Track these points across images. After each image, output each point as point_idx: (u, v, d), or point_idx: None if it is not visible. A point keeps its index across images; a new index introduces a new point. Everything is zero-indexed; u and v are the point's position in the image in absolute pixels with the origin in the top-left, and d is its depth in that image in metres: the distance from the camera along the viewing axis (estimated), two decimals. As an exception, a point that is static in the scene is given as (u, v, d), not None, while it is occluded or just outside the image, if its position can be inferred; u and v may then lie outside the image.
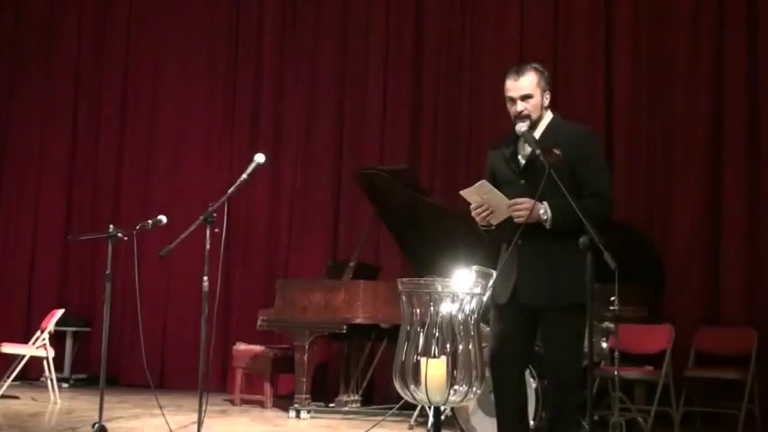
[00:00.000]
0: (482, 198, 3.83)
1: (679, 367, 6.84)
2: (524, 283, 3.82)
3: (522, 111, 3.94)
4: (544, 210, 3.76)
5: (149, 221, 5.71)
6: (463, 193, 3.92)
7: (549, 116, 4.02)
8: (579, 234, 3.44)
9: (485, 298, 3.79)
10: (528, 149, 3.88)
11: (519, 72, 3.99)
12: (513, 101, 3.97)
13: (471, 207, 3.90)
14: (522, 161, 3.94)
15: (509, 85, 3.98)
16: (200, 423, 4.72)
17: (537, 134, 3.95)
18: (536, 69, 3.99)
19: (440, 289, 3.54)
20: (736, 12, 7.57)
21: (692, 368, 6.97)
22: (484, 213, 3.86)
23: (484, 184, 3.84)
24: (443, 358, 3.43)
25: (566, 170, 3.78)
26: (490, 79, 8.40)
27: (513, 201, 3.80)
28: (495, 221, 3.87)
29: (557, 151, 3.74)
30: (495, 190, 3.84)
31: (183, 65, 10.21)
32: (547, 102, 4.00)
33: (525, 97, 3.94)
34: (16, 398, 8.11)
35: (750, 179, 7.36)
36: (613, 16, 8.12)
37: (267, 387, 7.99)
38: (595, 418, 5.81)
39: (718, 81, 7.56)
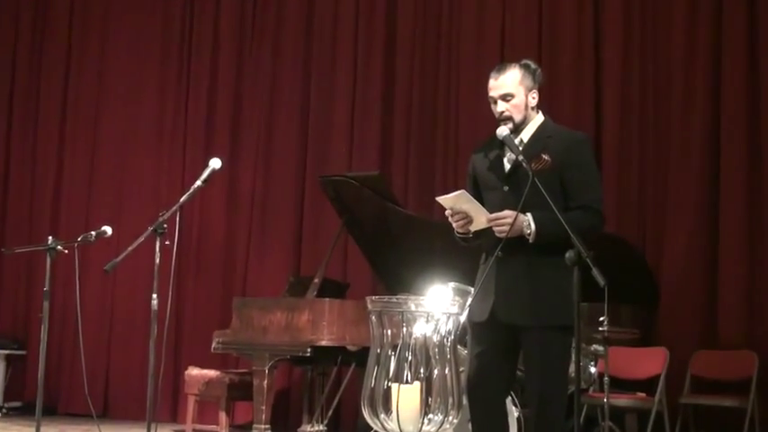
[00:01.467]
0: (461, 207, 3.86)
1: (674, 394, 6.88)
2: (504, 301, 3.83)
3: (502, 112, 3.98)
4: (528, 222, 3.78)
5: (92, 233, 5.69)
6: (440, 199, 3.94)
7: (538, 118, 4.05)
8: (565, 248, 3.46)
9: (462, 317, 3.80)
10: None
11: (500, 70, 4.04)
12: (494, 101, 4.00)
13: (447, 213, 3.92)
14: (507, 166, 3.96)
15: (490, 83, 4.04)
16: (147, 456, 4.69)
17: (525, 138, 3.98)
18: (521, 66, 4.03)
19: (413, 308, 3.55)
20: (735, 1, 7.62)
21: (688, 394, 7.01)
22: (461, 221, 3.88)
23: (463, 194, 3.86)
24: (417, 384, 3.44)
25: (554, 178, 3.81)
26: (469, 81, 8.40)
27: (493, 215, 3.82)
28: (473, 229, 3.89)
29: (546, 157, 3.76)
30: (475, 201, 3.87)
31: (130, 58, 10.15)
32: (533, 102, 4.02)
33: (506, 97, 3.97)
34: (-58, 428, 8.02)
35: (749, 191, 7.40)
36: (602, 11, 8.15)
37: (222, 416, 7.95)
38: (583, 449, 5.84)
39: (715, 80, 7.60)
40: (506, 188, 3.92)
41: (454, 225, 3.94)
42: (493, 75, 4.04)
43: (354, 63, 9.15)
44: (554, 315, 3.73)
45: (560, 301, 3.68)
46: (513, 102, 3.98)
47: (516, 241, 3.79)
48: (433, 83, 8.79)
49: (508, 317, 3.82)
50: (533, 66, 4.07)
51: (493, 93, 4.01)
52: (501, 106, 3.98)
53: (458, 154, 8.36)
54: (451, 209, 3.90)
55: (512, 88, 3.98)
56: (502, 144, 3.98)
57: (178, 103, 9.93)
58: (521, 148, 3.89)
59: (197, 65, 9.89)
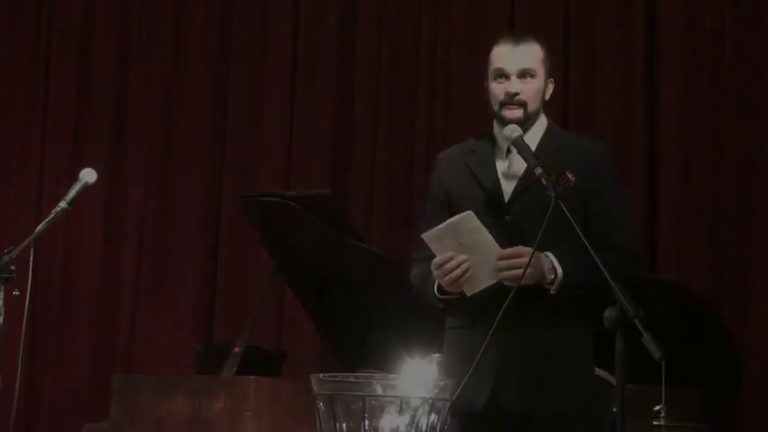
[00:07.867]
0: (459, 244, 3.83)
1: None
2: (510, 380, 3.88)
3: (516, 93, 4.00)
4: (550, 265, 3.79)
5: None
6: (426, 236, 3.91)
7: (542, 121, 4.12)
8: (599, 303, 3.48)
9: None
10: (520, 164, 3.91)
11: (519, 39, 4.09)
12: (507, 77, 4.03)
13: (435, 261, 3.87)
14: (509, 183, 3.97)
15: (503, 52, 4.08)
16: None
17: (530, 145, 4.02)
18: (540, 45, 4.10)
19: (380, 391, 3.55)
20: None
21: None
22: (455, 273, 3.84)
23: (468, 219, 3.82)
24: (385, 504, 3.44)
25: (576, 206, 3.84)
26: (465, 65, 8.40)
27: (508, 251, 3.81)
28: (469, 291, 3.85)
29: (571, 176, 3.79)
30: (485, 230, 3.83)
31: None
32: (548, 95, 4.09)
33: (525, 74, 4.02)
34: None
35: None
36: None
37: None
38: None
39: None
40: (508, 217, 3.94)
41: (445, 279, 3.91)
42: (509, 42, 4.11)
43: (294, 33, 9.15)
44: (584, 400, 3.76)
45: (593, 382, 3.71)
46: (533, 85, 4.04)
47: (529, 294, 3.81)
48: (413, 65, 8.79)
49: (516, 402, 3.85)
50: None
51: (507, 65, 4.04)
52: (515, 85, 4.02)
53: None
54: (443, 251, 3.85)
55: (534, 63, 4.05)
56: (492, 147, 4.02)
57: (33, 93, 9.89)
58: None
59: (62, 41, 9.87)
